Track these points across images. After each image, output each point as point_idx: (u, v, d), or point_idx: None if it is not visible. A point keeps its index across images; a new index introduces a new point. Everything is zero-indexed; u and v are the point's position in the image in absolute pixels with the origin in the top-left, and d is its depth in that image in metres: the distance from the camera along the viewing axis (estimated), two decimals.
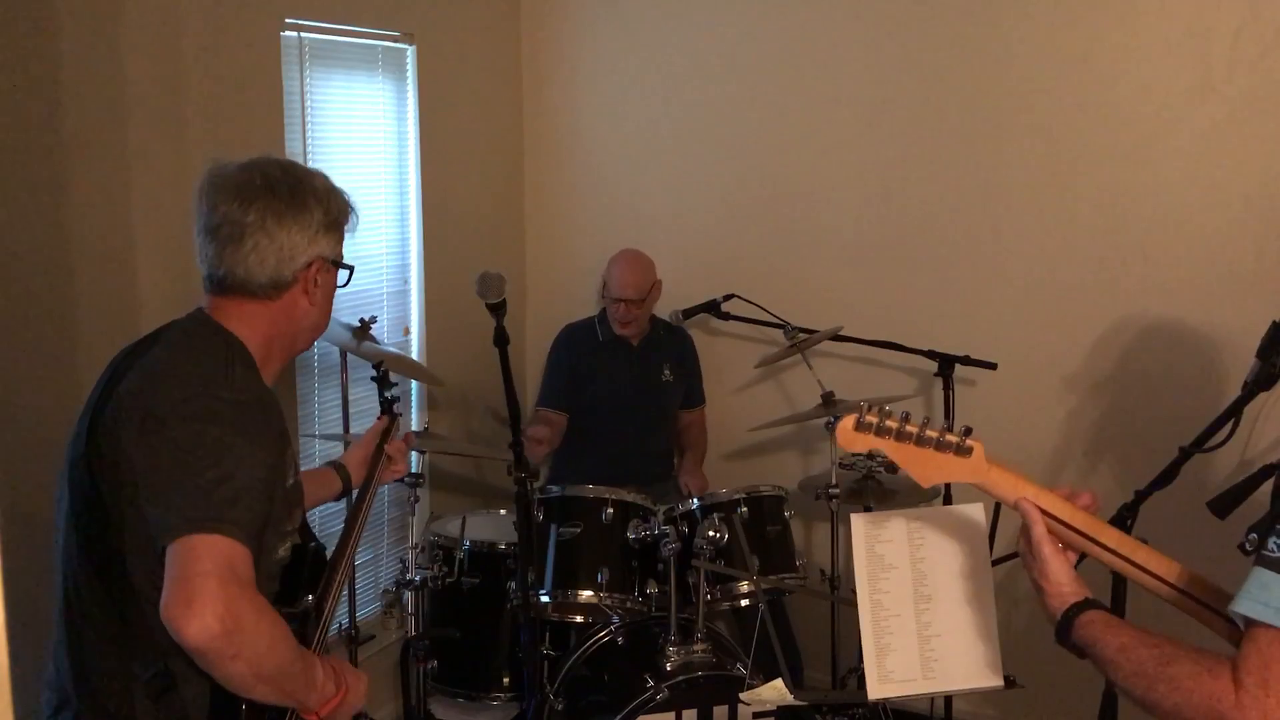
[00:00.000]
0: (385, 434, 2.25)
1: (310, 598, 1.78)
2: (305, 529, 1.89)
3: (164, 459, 1.56)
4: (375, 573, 3.58)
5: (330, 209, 1.79)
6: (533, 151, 4.15)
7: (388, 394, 2.48)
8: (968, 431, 1.52)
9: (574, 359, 3.71)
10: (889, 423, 1.50)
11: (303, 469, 3.05)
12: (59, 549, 1.72)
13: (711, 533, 2.77)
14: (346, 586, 3.10)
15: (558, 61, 4.06)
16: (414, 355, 3.69)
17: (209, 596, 1.46)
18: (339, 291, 1.88)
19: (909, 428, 1.50)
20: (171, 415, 1.58)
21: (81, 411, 1.70)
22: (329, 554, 1.90)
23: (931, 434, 1.50)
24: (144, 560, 1.58)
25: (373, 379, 2.55)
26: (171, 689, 1.62)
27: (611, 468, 3.44)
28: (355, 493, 2.22)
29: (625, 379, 3.68)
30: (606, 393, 3.67)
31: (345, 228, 1.85)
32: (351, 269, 1.88)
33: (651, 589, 2.94)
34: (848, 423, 1.52)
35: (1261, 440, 3.08)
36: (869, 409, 1.52)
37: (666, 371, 3.74)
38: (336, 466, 2.23)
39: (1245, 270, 3.17)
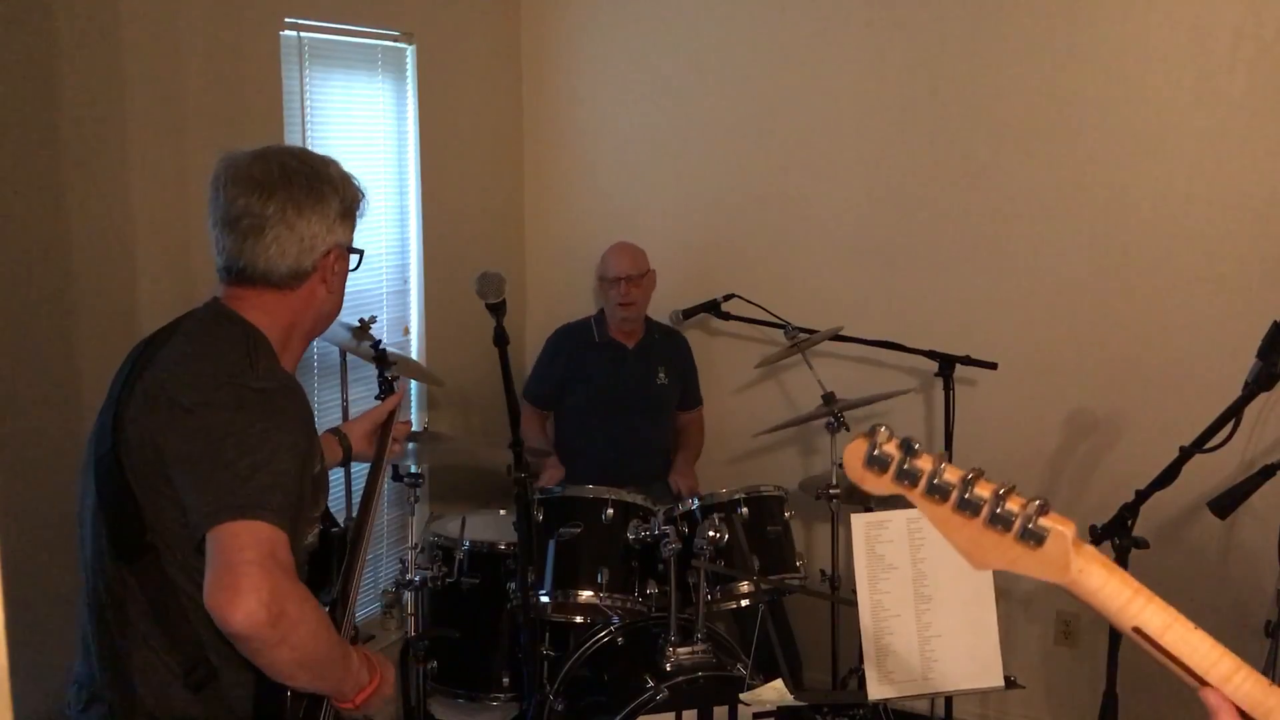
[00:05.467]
0: (394, 411, 2.24)
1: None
2: (327, 514, 1.88)
3: (196, 448, 1.56)
4: (375, 573, 3.57)
5: (345, 197, 1.81)
6: (533, 151, 4.14)
7: (387, 373, 2.46)
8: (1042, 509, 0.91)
9: (565, 362, 3.71)
10: (917, 463, 0.92)
11: None
12: (86, 545, 1.70)
13: (712, 533, 2.76)
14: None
15: (558, 61, 4.06)
16: (414, 355, 3.68)
17: (254, 583, 1.46)
18: None
19: (946, 477, 0.91)
20: (200, 404, 1.58)
21: (103, 406, 1.70)
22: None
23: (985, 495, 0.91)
24: (178, 552, 1.58)
25: (373, 359, 2.52)
26: (212, 680, 1.62)
27: (609, 468, 3.44)
28: (360, 489, 2.21)
29: (620, 382, 3.67)
30: (600, 395, 3.66)
31: (358, 214, 1.87)
32: (362, 253, 1.90)
33: (651, 589, 2.94)
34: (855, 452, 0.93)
35: (1261, 440, 3.09)
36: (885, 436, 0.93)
37: (662, 374, 3.74)
38: (338, 434, 2.20)
39: (1245, 270, 3.17)
